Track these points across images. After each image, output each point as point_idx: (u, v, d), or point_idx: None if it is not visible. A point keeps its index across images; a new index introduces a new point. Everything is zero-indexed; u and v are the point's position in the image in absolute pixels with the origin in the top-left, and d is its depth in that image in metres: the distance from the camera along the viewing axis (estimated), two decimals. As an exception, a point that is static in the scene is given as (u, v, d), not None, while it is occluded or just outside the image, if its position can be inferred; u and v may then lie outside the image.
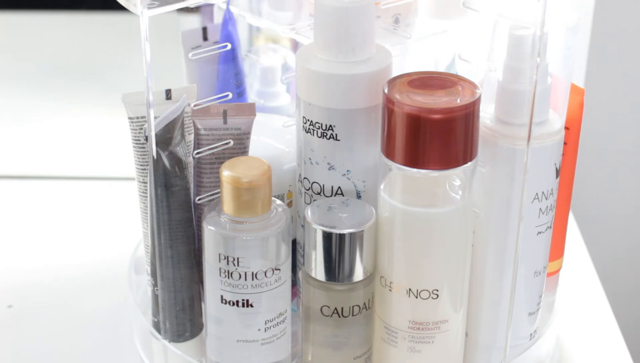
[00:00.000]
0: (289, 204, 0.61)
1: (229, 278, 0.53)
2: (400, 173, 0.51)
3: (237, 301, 0.53)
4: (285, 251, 0.53)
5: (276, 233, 0.53)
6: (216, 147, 0.56)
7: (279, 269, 0.53)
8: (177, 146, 0.54)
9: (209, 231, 0.52)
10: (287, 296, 0.55)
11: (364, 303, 0.53)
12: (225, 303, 0.53)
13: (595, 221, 1.11)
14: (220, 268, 0.52)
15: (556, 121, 0.54)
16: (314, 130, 0.54)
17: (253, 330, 0.54)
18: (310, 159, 0.55)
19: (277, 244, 0.53)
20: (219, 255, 0.52)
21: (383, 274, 0.53)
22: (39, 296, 0.72)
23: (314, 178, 0.55)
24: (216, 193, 0.56)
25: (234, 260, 0.52)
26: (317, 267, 0.52)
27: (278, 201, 0.54)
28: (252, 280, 0.52)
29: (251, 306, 0.53)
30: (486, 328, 0.57)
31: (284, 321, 0.55)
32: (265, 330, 0.54)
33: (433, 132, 0.48)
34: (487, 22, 0.53)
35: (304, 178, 0.56)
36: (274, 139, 0.62)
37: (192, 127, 0.56)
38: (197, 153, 0.56)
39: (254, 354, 0.55)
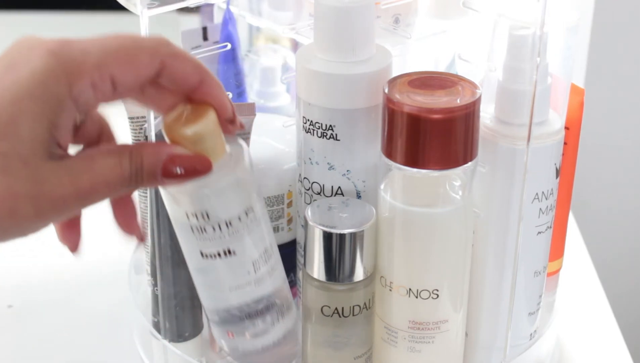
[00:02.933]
0: (289, 204, 0.61)
1: (203, 233, 0.49)
2: (401, 173, 0.51)
3: (218, 253, 0.49)
4: (252, 188, 0.50)
5: (237, 178, 0.48)
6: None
7: (252, 209, 0.49)
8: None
9: (169, 194, 0.49)
10: (268, 231, 0.51)
11: (364, 303, 0.53)
12: (207, 257, 0.50)
13: (595, 221, 1.11)
14: (191, 226, 0.49)
15: (556, 121, 0.54)
16: (314, 130, 0.54)
17: (242, 274, 0.50)
18: (310, 159, 0.55)
19: (242, 185, 0.49)
20: (186, 213, 0.48)
21: (383, 274, 0.53)
22: (39, 296, 0.72)
23: (314, 178, 0.55)
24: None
25: (203, 214, 0.48)
26: (317, 267, 0.52)
27: (231, 138, 0.49)
28: (228, 228, 0.48)
29: (233, 253, 0.49)
30: (486, 328, 0.57)
31: (271, 257, 0.51)
32: (255, 272, 0.50)
33: (433, 132, 0.48)
34: (487, 22, 0.53)
35: (304, 178, 0.56)
36: (274, 139, 0.62)
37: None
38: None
39: (249, 291, 0.51)
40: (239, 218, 0.48)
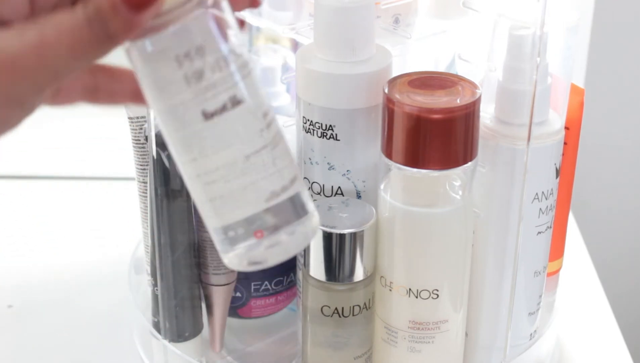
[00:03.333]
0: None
1: (200, 80, 0.40)
2: (400, 173, 0.51)
3: (225, 105, 0.40)
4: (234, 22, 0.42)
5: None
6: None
7: (240, 54, 0.41)
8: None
9: (156, 40, 0.40)
10: (256, 83, 0.42)
11: (364, 303, 0.53)
12: (211, 116, 0.40)
13: (595, 221, 1.11)
14: (185, 75, 0.40)
15: (556, 121, 0.54)
16: (314, 130, 0.54)
17: (254, 131, 0.41)
18: (310, 159, 0.55)
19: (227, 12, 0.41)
20: (177, 56, 0.40)
21: (383, 274, 0.53)
22: (39, 296, 0.72)
23: (314, 178, 0.55)
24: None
25: (198, 49, 0.40)
26: (317, 267, 0.52)
27: None
28: (227, 64, 0.40)
29: (242, 101, 0.40)
30: (486, 328, 0.57)
31: (269, 111, 0.42)
32: (267, 126, 0.41)
33: (433, 132, 0.48)
34: (487, 22, 0.53)
35: (304, 177, 0.56)
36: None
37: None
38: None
39: (266, 156, 0.41)
40: (236, 53, 0.40)
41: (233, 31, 0.41)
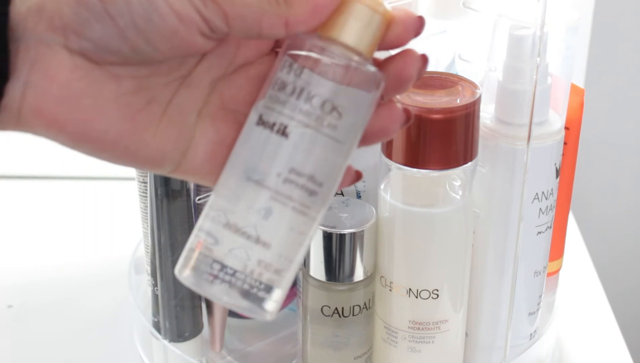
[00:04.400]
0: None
1: (279, 90, 0.38)
2: (400, 173, 0.51)
3: (274, 124, 0.38)
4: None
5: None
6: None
7: (337, 109, 0.38)
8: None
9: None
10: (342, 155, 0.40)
11: (364, 303, 0.53)
12: (259, 124, 0.38)
13: (595, 221, 1.11)
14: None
15: (556, 121, 0.54)
16: (314, 130, 0.53)
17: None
18: (310, 159, 0.55)
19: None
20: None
21: (383, 274, 0.53)
22: (39, 296, 0.72)
23: (314, 178, 0.55)
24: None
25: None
26: (317, 267, 0.52)
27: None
28: (304, 101, 0.38)
29: (286, 137, 0.38)
30: (486, 328, 0.57)
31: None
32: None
33: (433, 132, 0.48)
34: (487, 22, 0.53)
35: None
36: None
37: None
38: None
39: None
40: (322, 104, 0.38)
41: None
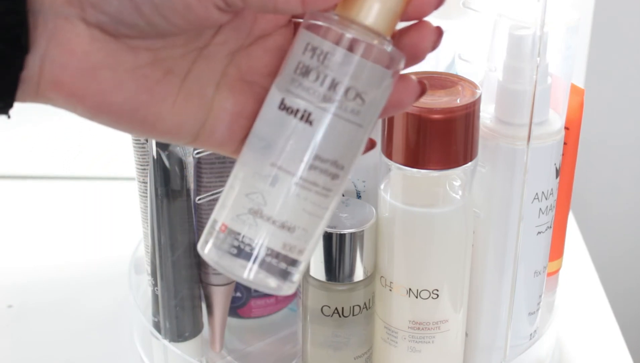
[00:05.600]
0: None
1: (304, 76, 0.38)
2: (400, 173, 0.51)
3: (297, 110, 0.38)
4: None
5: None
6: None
7: (361, 96, 0.38)
8: (177, 146, 0.54)
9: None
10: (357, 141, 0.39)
11: (364, 303, 0.53)
12: (283, 109, 0.38)
13: (595, 221, 1.11)
14: (300, 63, 0.38)
15: (556, 121, 0.54)
16: (314, 130, 0.53)
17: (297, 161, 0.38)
18: (310, 159, 0.55)
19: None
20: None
21: (383, 274, 0.53)
22: (39, 296, 0.72)
23: (314, 178, 0.55)
24: (216, 193, 0.56)
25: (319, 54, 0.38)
26: (317, 267, 0.52)
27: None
28: (328, 88, 0.37)
29: (309, 124, 0.37)
30: (486, 328, 0.57)
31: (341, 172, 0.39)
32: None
33: (433, 132, 0.48)
34: (487, 22, 0.53)
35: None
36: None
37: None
38: (197, 153, 0.56)
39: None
40: (346, 93, 0.38)
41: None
